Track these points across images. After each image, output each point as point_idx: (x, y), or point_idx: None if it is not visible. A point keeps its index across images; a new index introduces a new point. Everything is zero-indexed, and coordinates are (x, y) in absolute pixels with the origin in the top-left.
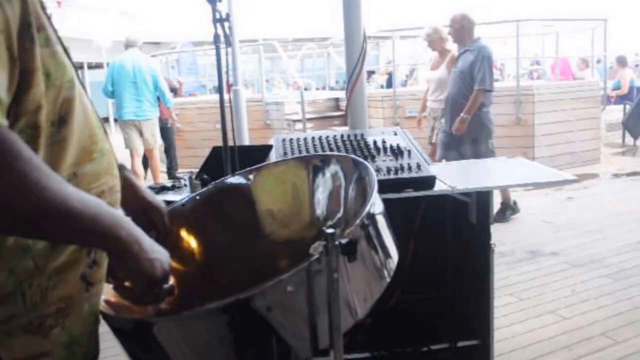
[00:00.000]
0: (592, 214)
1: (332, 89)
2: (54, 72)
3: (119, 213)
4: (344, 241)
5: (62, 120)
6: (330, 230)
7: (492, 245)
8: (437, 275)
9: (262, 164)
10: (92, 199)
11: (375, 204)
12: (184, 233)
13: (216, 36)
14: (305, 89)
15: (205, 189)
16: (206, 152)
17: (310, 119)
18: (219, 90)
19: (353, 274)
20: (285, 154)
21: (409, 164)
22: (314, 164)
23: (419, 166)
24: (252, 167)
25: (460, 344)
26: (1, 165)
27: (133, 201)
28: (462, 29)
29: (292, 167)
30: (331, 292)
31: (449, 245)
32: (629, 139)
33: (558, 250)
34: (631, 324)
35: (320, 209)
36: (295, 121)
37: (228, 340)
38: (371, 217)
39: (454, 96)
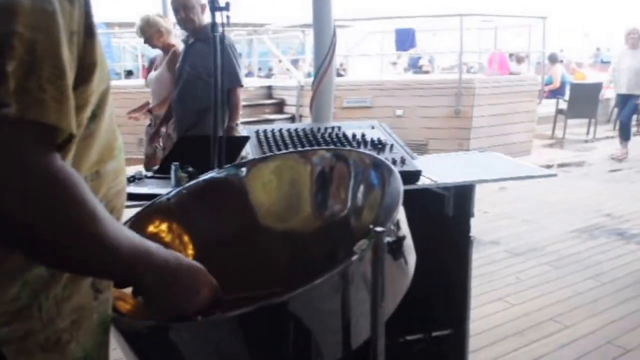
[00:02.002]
0: (525, 204)
1: (259, 77)
2: (101, 62)
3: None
4: (391, 239)
5: (93, 114)
6: (379, 229)
7: (472, 238)
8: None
9: (257, 157)
10: (143, 244)
11: (400, 204)
12: (170, 229)
13: (214, 25)
14: None
15: (192, 182)
16: (124, 139)
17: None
18: (214, 81)
19: (391, 272)
20: (260, 145)
21: (393, 158)
22: (317, 157)
23: (403, 160)
24: (246, 160)
25: (435, 333)
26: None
27: None
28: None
29: (291, 161)
30: (376, 292)
31: (426, 237)
32: (558, 132)
33: (497, 239)
34: (577, 309)
35: (322, 203)
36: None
37: (252, 346)
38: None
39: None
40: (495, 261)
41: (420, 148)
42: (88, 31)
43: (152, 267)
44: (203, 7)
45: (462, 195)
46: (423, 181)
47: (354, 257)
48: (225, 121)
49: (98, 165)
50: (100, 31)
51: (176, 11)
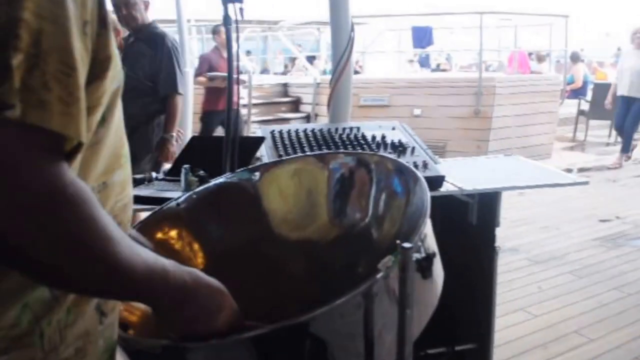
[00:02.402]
0: (545, 209)
1: (275, 74)
2: (115, 56)
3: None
4: (420, 256)
5: (103, 117)
6: (407, 244)
7: (497, 248)
8: None
9: (271, 161)
10: (158, 264)
11: (427, 215)
12: (180, 236)
13: (227, 18)
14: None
15: (203, 187)
16: None
17: (256, 104)
18: (228, 77)
19: (419, 292)
20: (276, 147)
21: (414, 162)
22: (336, 161)
23: (425, 165)
24: (259, 164)
25: (458, 348)
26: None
27: None
28: None
29: (307, 165)
30: (404, 314)
31: (448, 246)
32: (580, 134)
33: (517, 246)
34: (602, 322)
35: (341, 211)
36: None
37: None
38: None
39: None
40: (516, 269)
41: (438, 149)
42: (102, 21)
43: (169, 288)
44: (146, 4)
45: (487, 202)
46: (447, 187)
47: (379, 275)
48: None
49: (105, 176)
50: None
51: (117, 8)
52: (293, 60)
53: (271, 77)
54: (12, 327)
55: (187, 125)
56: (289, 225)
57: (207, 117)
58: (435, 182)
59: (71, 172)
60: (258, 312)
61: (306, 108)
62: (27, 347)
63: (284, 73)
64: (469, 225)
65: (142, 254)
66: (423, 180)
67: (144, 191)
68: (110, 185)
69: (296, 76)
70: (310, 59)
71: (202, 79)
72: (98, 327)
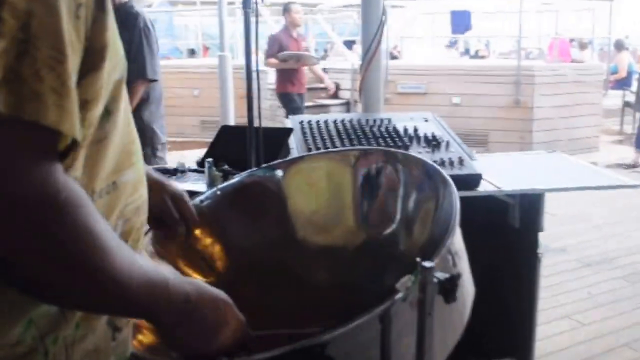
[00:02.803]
0: (597, 207)
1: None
2: (113, 45)
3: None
4: (442, 277)
5: (107, 110)
6: (428, 264)
7: (539, 255)
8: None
9: (294, 157)
10: (159, 276)
11: (456, 227)
12: (203, 236)
13: (246, 0)
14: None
15: (227, 183)
16: (184, 120)
17: None
18: (246, 62)
19: (442, 315)
20: (305, 139)
21: (450, 159)
22: (362, 158)
23: (461, 161)
24: (284, 160)
25: None
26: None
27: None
28: None
29: (332, 162)
30: (422, 341)
31: (486, 252)
32: (627, 127)
33: (565, 246)
34: None
35: (368, 215)
36: None
37: None
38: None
39: None
40: (563, 271)
41: (481, 141)
42: (99, 4)
43: (170, 303)
44: None
45: (530, 204)
46: (484, 186)
47: (397, 297)
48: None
49: (115, 175)
50: (162, 9)
51: None
52: (332, 44)
53: None
54: (14, 345)
55: (228, 110)
56: (314, 227)
57: (284, 100)
58: (471, 181)
59: (64, 174)
60: (276, 319)
61: (345, 94)
62: None
63: (323, 58)
64: (510, 228)
65: (142, 265)
66: (452, 185)
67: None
68: (120, 185)
69: (334, 61)
70: (350, 44)
71: (273, 60)
72: (110, 343)
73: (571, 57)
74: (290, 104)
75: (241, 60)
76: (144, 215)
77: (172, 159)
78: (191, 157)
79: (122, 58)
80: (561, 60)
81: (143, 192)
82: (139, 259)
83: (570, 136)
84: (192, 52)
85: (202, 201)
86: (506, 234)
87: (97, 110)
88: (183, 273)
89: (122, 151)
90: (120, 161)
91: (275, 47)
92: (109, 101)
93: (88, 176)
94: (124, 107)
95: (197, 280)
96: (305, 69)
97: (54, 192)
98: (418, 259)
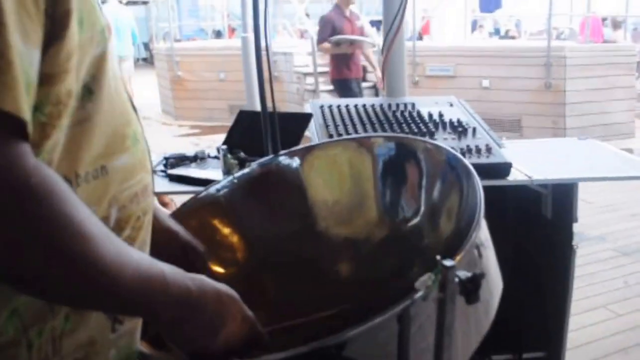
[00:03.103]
0: (634, 195)
1: None
2: (87, 15)
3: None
4: (464, 277)
5: (87, 89)
6: (448, 262)
7: (574, 247)
8: (503, 276)
9: (315, 143)
10: (155, 269)
11: (482, 222)
12: (220, 226)
13: None
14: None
15: (244, 171)
16: (211, 104)
17: (322, 73)
18: (256, 42)
19: (464, 316)
20: (326, 124)
21: (477, 146)
22: (382, 146)
23: (489, 149)
24: (302, 147)
25: (526, 355)
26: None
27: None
28: None
29: (352, 149)
30: (440, 341)
31: (518, 243)
32: None
33: (603, 234)
34: None
35: (391, 206)
36: (305, 74)
37: None
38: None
39: None
40: (600, 260)
41: (514, 126)
42: None
43: (169, 298)
44: None
45: (563, 194)
46: (515, 176)
47: (416, 296)
48: None
49: (104, 159)
50: None
51: None
52: None
53: None
54: None
55: (253, 94)
56: (335, 218)
57: (340, 87)
58: (501, 169)
59: (34, 159)
60: (293, 312)
61: (372, 77)
62: (11, 359)
63: None
64: (543, 219)
65: (136, 257)
66: (476, 176)
67: (184, 170)
68: (111, 170)
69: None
70: (377, 24)
71: (326, 45)
72: (109, 335)
73: (603, 37)
74: (347, 91)
75: (268, 41)
76: (144, 202)
77: (203, 143)
78: (221, 142)
79: (102, 32)
80: (593, 40)
81: (142, 178)
82: (132, 251)
83: (604, 121)
84: (218, 34)
85: (218, 190)
86: (539, 225)
87: (66, 85)
88: None
89: (112, 134)
90: (110, 144)
91: (328, 29)
92: (89, 79)
93: (70, 159)
94: (112, 87)
95: (199, 275)
96: None
97: (22, 177)
98: (438, 257)
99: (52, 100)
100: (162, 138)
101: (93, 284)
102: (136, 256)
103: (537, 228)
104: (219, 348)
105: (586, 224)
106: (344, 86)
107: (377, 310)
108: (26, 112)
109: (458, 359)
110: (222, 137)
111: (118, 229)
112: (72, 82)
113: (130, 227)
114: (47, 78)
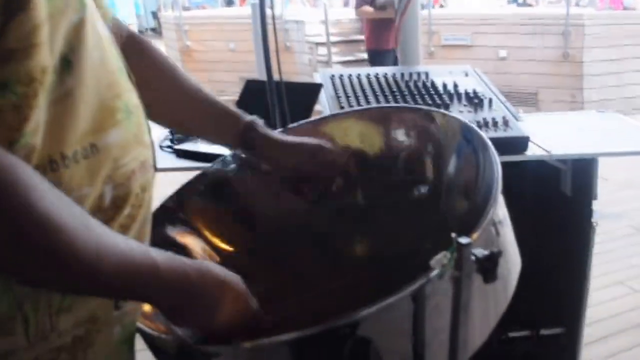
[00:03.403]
0: None
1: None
2: None
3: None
4: (481, 255)
5: (66, 62)
6: (465, 240)
7: (594, 224)
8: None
9: (325, 115)
10: (141, 257)
11: (499, 198)
12: (228, 204)
13: None
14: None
15: None
16: (221, 76)
17: (334, 43)
18: (261, 7)
19: (481, 295)
20: (337, 95)
21: (493, 119)
22: (395, 117)
23: (506, 122)
24: (312, 119)
25: (543, 332)
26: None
27: (286, 157)
28: None
29: (364, 121)
30: (456, 321)
31: (536, 220)
32: None
33: (620, 212)
34: None
35: (404, 180)
36: (318, 44)
37: None
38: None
39: None
40: (617, 238)
41: (530, 99)
42: None
43: (162, 286)
44: None
45: (582, 170)
46: (532, 150)
47: (431, 275)
48: None
49: (93, 136)
50: None
51: None
52: None
53: (351, 11)
54: None
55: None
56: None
57: (376, 58)
58: (518, 144)
59: None
60: (304, 289)
61: None
62: (7, 335)
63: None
64: (562, 196)
65: (120, 246)
66: (493, 149)
67: (192, 145)
68: (102, 148)
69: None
70: None
71: (367, 9)
72: (112, 313)
73: (623, 4)
74: (384, 64)
75: (280, 9)
76: (143, 178)
77: None
78: None
79: None
80: (612, 7)
81: (139, 153)
82: (118, 241)
83: (625, 94)
84: (228, 2)
85: (225, 164)
86: (557, 202)
87: (38, 61)
88: (209, 242)
89: (99, 108)
90: (98, 120)
91: None
92: (67, 51)
93: (54, 140)
94: (96, 57)
95: (202, 262)
96: None
97: None
98: (454, 235)
99: (22, 79)
100: None
101: (68, 274)
102: (122, 245)
103: (556, 206)
104: (219, 329)
105: (602, 201)
106: (381, 58)
107: (390, 288)
108: None
109: (475, 338)
110: None
111: (116, 208)
112: (45, 57)
113: (129, 206)
114: (11, 54)
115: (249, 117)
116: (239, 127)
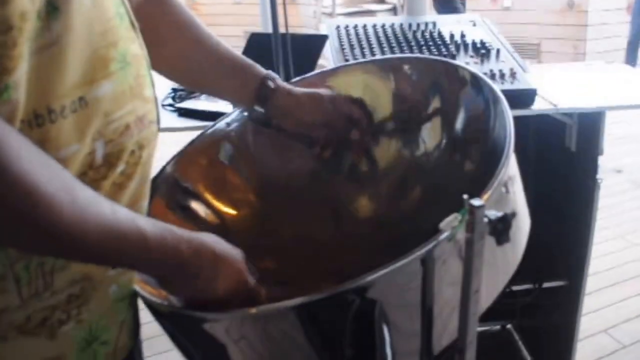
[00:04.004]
0: None
1: None
2: None
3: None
4: (494, 216)
5: (51, 6)
6: (477, 202)
7: (598, 180)
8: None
9: (330, 68)
10: (128, 229)
11: (510, 155)
12: (231, 163)
13: None
14: None
15: None
16: (227, 31)
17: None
18: None
19: (492, 258)
20: (342, 47)
21: (501, 71)
22: (403, 69)
23: (513, 74)
24: (316, 72)
25: (546, 284)
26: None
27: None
28: None
29: (370, 73)
30: (468, 285)
31: (540, 176)
32: None
33: (620, 166)
34: None
35: (412, 136)
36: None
37: (314, 343)
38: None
39: None
40: (617, 193)
41: (532, 50)
42: None
43: (151, 257)
44: None
45: (588, 124)
46: (539, 104)
47: (441, 237)
48: None
49: (82, 89)
50: None
51: None
52: None
53: None
54: None
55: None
56: None
57: None
58: (526, 97)
59: None
60: (309, 253)
61: None
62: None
63: None
64: (566, 151)
65: (107, 215)
66: (505, 103)
67: (194, 103)
68: (92, 102)
69: None
70: None
71: None
72: (107, 272)
73: None
74: None
75: None
76: (141, 134)
77: None
78: None
79: None
80: None
81: (135, 107)
82: (105, 209)
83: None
84: None
85: (228, 124)
86: (562, 157)
87: (16, 6)
88: (211, 206)
89: (90, 58)
90: (89, 71)
91: None
92: None
93: (40, 92)
94: (87, 1)
95: (199, 235)
96: None
97: None
98: (465, 196)
99: (2, 27)
100: None
101: (45, 240)
102: (108, 214)
103: (560, 161)
104: (213, 303)
105: (602, 156)
106: None
107: (399, 251)
108: None
109: (483, 301)
110: None
111: (108, 165)
112: (24, 1)
113: (123, 163)
114: None
115: (265, 71)
116: (257, 80)
